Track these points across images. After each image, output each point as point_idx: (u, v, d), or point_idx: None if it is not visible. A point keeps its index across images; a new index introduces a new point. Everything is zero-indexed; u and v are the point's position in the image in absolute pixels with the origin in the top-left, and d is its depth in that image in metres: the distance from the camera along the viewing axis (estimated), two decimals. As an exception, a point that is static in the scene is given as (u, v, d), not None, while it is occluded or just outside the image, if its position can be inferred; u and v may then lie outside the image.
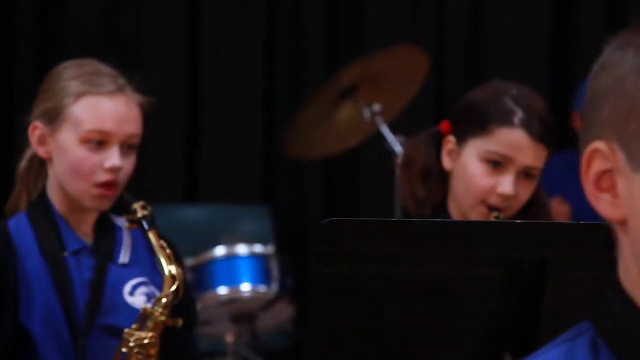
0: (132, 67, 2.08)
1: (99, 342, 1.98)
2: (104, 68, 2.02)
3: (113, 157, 1.95)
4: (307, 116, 2.84)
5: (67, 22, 4.00)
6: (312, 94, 2.82)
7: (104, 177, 1.95)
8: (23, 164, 2.08)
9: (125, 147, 1.98)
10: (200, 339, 3.20)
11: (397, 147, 2.74)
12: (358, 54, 3.81)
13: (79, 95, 1.96)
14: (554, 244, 1.50)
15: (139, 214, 1.96)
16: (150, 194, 3.21)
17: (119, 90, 1.98)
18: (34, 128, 2.00)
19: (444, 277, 1.47)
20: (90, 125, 1.95)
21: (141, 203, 1.97)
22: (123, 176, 1.98)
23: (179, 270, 1.95)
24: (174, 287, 1.93)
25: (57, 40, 4.01)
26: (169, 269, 1.93)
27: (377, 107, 2.79)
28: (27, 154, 2.07)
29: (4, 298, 1.95)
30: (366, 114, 2.79)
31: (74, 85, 1.97)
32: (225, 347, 3.19)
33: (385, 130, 2.76)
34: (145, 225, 1.95)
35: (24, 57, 3.99)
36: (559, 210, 3.46)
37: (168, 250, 1.95)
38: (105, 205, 1.99)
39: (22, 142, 2.13)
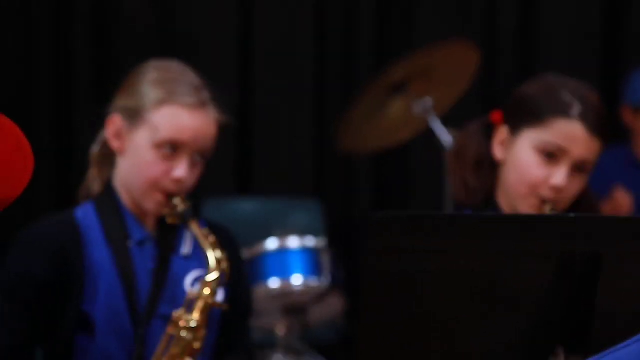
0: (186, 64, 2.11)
1: (159, 331, 2.01)
2: (189, 76, 2.03)
3: (181, 169, 1.98)
4: (358, 111, 2.85)
5: (120, 23, 4.06)
6: (363, 89, 2.83)
7: (168, 186, 1.99)
8: (96, 148, 2.12)
9: (196, 157, 2.01)
10: (251, 331, 3.22)
11: (447, 142, 2.74)
12: (409, 49, 3.81)
13: (161, 103, 1.98)
14: (607, 237, 1.49)
15: (179, 208, 1.98)
16: (203, 187, 3.24)
17: (201, 105, 2.00)
18: (113, 121, 2.04)
19: (495, 271, 1.47)
20: (166, 133, 1.98)
21: (182, 197, 1.99)
22: (187, 186, 2.01)
23: (224, 255, 1.97)
24: (218, 272, 1.96)
25: (112, 41, 4.07)
26: (215, 254, 1.96)
27: (427, 102, 2.78)
28: (101, 139, 2.11)
29: (69, 286, 2.00)
30: (417, 108, 2.79)
31: (157, 91, 1.99)
32: (276, 339, 3.21)
33: (436, 125, 2.76)
34: (186, 217, 1.98)
35: (79, 57, 4.05)
36: (623, 201, 3.41)
37: (211, 238, 1.97)
38: (164, 211, 2.01)
39: (80, 138, 2.17)
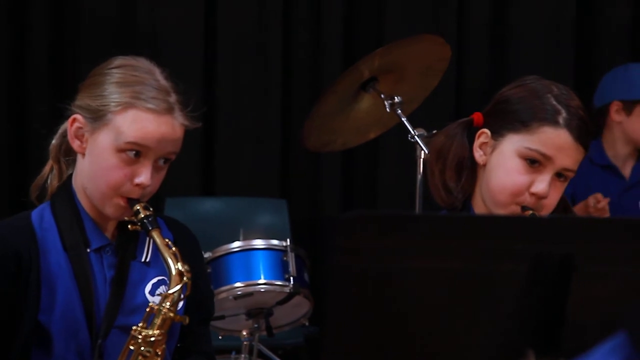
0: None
1: (117, 342, 1.95)
2: (157, 78, 1.96)
3: (144, 174, 1.92)
4: (326, 108, 2.80)
5: (82, 16, 3.98)
6: (331, 86, 2.78)
7: (130, 191, 1.93)
8: (55, 140, 2.05)
9: (160, 161, 1.95)
10: (215, 333, 3.17)
11: (417, 140, 2.70)
12: (378, 44, 3.77)
13: (126, 106, 1.91)
14: (580, 238, 1.46)
15: (141, 215, 1.92)
16: (167, 186, 3.18)
17: (168, 110, 1.93)
18: (74, 120, 1.97)
19: (466, 272, 1.44)
20: (130, 138, 1.91)
21: (143, 204, 1.93)
22: (150, 191, 1.95)
23: (186, 267, 1.91)
24: (180, 285, 1.90)
25: (72, 35, 3.99)
26: (177, 266, 1.90)
27: (397, 98, 2.74)
28: (60, 131, 2.04)
29: (25, 296, 1.92)
30: (386, 105, 2.75)
31: (122, 93, 1.92)
32: (240, 341, 3.17)
33: (406, 123, 2.72)
34: (148, 226, 1.92)
35: (38, 51, 3.97)
36: (602, 205, 3.40)
37: (173, 249, 1.92)
38: (125, 215, 1.95)
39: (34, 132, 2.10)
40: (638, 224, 1.48)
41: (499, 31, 4.24)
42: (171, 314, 1.91)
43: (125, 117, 1.91)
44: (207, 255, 3.09)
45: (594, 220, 2.02)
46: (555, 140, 1.96)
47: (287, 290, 3.06)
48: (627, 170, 3.60)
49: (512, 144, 1.98)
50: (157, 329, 1.92)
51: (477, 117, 2.07)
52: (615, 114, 3.55)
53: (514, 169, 1.97)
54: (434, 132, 2.71)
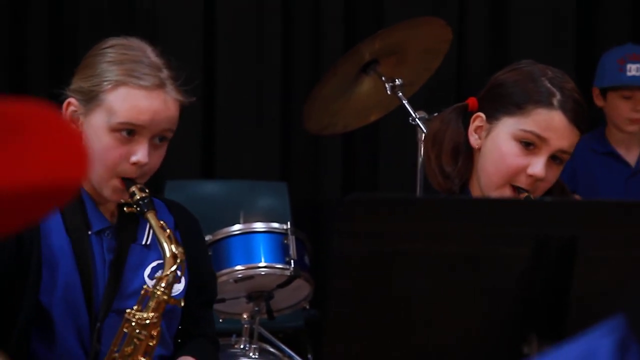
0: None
1: (115, 325, 1.94)
2: (149, 55, 1.94)
3: (140, 152, 1.90)
4: (327, 90, 2.79)
5: (80, 1, 3.96)
6: (332, 68, 2.76)
7: (127, 170, 1.91)
8: None
9: (156, 140, 1.93)
10: (215, 316, 3.17)
11: (418, 123, 2.69)
12: (379, 26, 3.75)
13: (117, 84, 1.90)
14: (583, 222, 1.46)
15: (137, 197, 1.91)
16: (167, 169, 3.17)
17: (159, 86, 1.91)
18: (69, 104, 1.95)
19: (469, 255, 1.44)
20: (122, 117, 1.89)
21: (139, 186, 1.92)
22: (148, 169, 1.93)
23: (180, 249, 1.90)
24: (174, 267, 1.89)
25: (71, 20, 3.97)
26: (171, 248, 1.89)
27: (398, 81, 2.73)
28: None
29: (26, 277, 1.91)
30: (387, 88, 2.73)
31: (113, 72, 1.90)
32: (240, 324, 3.16)
33: (407, 105, 2.71)
34: (144, 208, 1.90)
35: (36, 32, 3.95)
36: None
37: (168, 231, 1.91)
38: (124, 197, 1.94)
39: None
40: (640, 207, 1.47)
41: (500, 13, 4.21)
42: (165, 297, 1.91)
43: (116, 96, 1.89)
44: (207, 238, 3.08)
45: (597, 203, 2.01)
46: (550, 122, 1.96)
47: (287, 273, 3.06)
48: (632, 157, 3.60)
49: (507, 127, 1.98)
50: (152, 312, 1.91)
51: (472, 102, 2.08)
52: (597, 99, 3.58)
53: (509, 151, 1.97)
54: (435, 114, 2.70)
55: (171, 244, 1.89)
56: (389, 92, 2.74)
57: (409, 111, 2.71)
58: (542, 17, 4.20)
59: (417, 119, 2.69)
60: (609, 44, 3.94)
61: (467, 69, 4.15)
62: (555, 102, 1.96)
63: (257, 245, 3.10)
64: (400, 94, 2.73)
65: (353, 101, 2.87)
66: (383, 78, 2.76)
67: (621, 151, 3.60)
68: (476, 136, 2.03)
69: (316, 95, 2.79)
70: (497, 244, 1.44)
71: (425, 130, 2.67)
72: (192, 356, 2.04)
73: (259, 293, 3.11)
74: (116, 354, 1.93)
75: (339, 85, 2.80)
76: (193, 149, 4.07)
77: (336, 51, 3.95)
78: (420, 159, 2.69)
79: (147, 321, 1.91)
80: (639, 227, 1.43)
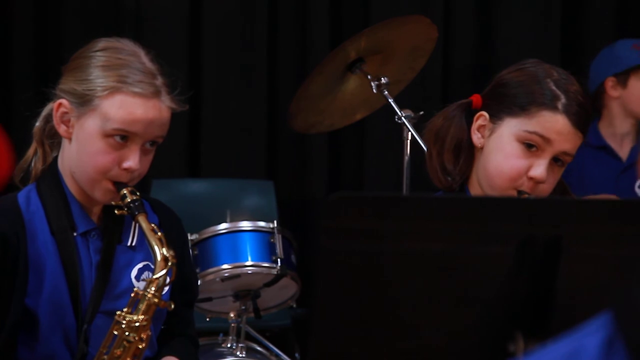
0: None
1: (102, 327, 1.94)
2: (143, 61, 1.93)
3: (132, 159, 1.90)
4: (313, 89, 2.79)
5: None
6: (318, 66, 2.76)
7: (118, 175, 1.91)
8: (38, 123, 2.03)
9: (147, 145, 1.94)
10: (202, 315, 3.16)
11: (405, 121, 2.69)
12: (365, 24, 3.75)
13: (113, 91, 1.89)
14: (568, 220, 1.46)
15: (128, 199, 1.91)
16: (155, 169, 3.16)
17: (155, 94, 1.91)
18: (60, 105, 1.94)
19: (454, 254, 1.43)
20: (117, 124, 1.89)
21: (130, 188, 1.92)
22: (138, 174, 1.94)
23: (171, 252, 1.90)
24: (165, 270, 1.89)
25: (56, 18, 3.95)
26: (162, 251, 1.88)
27: (384, 79, 2.73)
28: (43, 113, 2.02)
29: (13, 279, 1.90)
30: (373, 86, 2.74)
31: (108, 77, 1.90)
32: (227, 323, 3.16)
33: (393, 104, 2.71)
34: (135, 211, 1.90)
35: (21, 30, 3.93)
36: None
37: (159, 234, 1.91)
38: (114, 199, 1.94)
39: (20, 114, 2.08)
40: (626, 205, 1.48)
41: (485, 11, 4.22)
42: (155, 300, 1.90)
43: (112, 102, 1.89)
44: (193, 237, 3.08)
45: (583, 201, 2.01)
46: (554, 125, 1.95)
47: (274, 272, 3.05)
48: (624, 152, 3.61)
49: (510, 128, 1.97)
50: (142, 315, 1.90)
51: (476, 99, 2.06)
52: (612, 90, 3.58)
53: (511, 153, 1.96)
54: (421, 113, 2.70)
55: (162, 247, 1.89)
56: (374, 91, 2.75)
57: (394, 110, 2.71)
58: (527, 16, 4.21)
59: (402, 118, 2.69)
60: (594, 42, 3.96)
61: (453, 67, 4.15)
62: (559, 105, 1.95)
63: (244, 244, 3.09)
64: (386, 92, 2.73)
65: (339, 100, 2.87)
66: (369, 76, 2.76)
67: (614, 145, 3.62)
68: (479, 135, 2.03)
69: (302, 94, 2.79)
70: (482, 242, 1.44)
71: (411, 129, 2.68)
72: (175, 356, 2.03)
73: (246, 292, 3.11)
74: (105, 356, 1.93)
75: (325, 84, 2.80)
76: (179, 148, 4.06)
77: (322, 50, 3.94)
78: (406, 158, 2.69)
79: (137, 324, 1.91)
80: (624, 225, 1.43)
